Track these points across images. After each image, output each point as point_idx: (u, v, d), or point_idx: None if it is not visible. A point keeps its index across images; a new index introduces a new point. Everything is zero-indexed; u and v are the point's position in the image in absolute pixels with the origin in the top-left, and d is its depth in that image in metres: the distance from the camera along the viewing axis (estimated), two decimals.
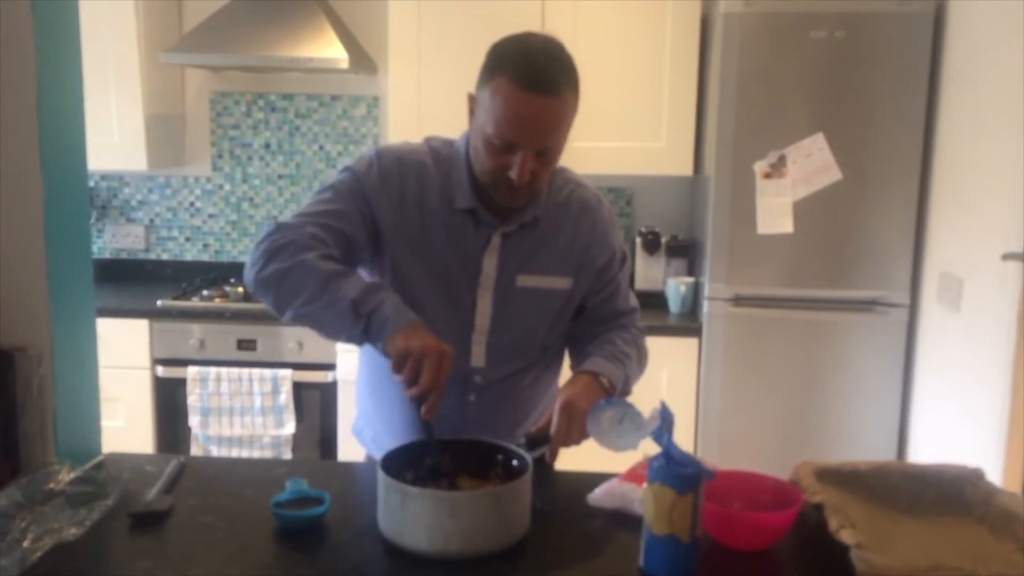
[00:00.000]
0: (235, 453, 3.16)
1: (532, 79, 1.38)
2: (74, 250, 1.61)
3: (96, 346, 1.68)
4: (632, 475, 1.44)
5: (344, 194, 1.53)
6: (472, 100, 1.49)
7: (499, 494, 1.26)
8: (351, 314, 1.37)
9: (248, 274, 1.47)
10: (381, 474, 1.26)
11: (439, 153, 1.59)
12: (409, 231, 1.55)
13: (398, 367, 1.34)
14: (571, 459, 1.56)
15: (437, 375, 1.32)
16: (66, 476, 1.42)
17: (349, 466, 1.77)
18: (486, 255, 1.57)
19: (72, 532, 1.28)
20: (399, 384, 1.62)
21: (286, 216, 1.56)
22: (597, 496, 1.43)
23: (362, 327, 1.38)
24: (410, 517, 1.23)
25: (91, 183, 3.72)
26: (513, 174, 1.43)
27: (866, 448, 2.96)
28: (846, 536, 1.19)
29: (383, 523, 1.28)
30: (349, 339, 1.42)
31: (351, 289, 1.38)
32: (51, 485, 1.38)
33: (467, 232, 1.56)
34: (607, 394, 1.51)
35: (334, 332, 1.44)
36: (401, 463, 1.34)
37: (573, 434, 1.45)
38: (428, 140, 1.63)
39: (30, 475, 1.39)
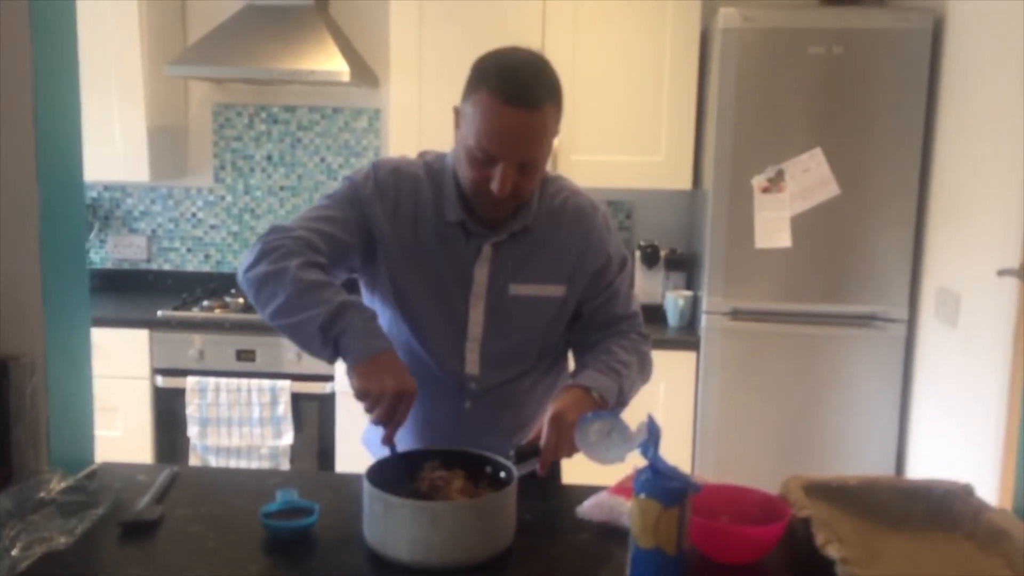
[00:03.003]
0: (233, 464, 3.17)
1: (512, 93, 1.40)
2: (69, 259, 1.62)
3: (90, 356, 1.69)
4: (621, 488, 1.44)
5: (341, 202, 1.57)
6: (457, 113, 1.51)
7: (481, 505, 1.26)
8: (320, 338, 1.40)
9: (239, 274, 1.51)
10: (366, 484, 1.27)
11: (432, 167, 1.62)
12: (403, 240, 1.58)
13: (359, 400, 1.37)
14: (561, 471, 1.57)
15: (392, 415, 1.36)
16: (58, 485, 1.43)
17: (342, 477, 1.76)
18: (477, 265, 1.58)
19: (62, 541, 1.28)
20: None
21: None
22: (585, 508, 1.43)
23: (331, 352, 1.41)
24: (393, 527, 1.23)
25: (94, 193, 3.74)
26: (494, 186, 1.45)
27: (863, 463, 2.95)
28: (832, 551, 1.19)
29: (368, 533, 1.28)
30: (323, 360, 1.44)
31: (319, 312, 1.39)
32: (42, 494, 1.39)
33: (459, 243, 1.58)
34: (597, 407, 1.51)
35: (308, 352, 1.45)
36: (388, 473, 1.34)
37: (563, 447, 1.45)
38: (423, 154, 1.66)
39: (22, 484, 1.40)
